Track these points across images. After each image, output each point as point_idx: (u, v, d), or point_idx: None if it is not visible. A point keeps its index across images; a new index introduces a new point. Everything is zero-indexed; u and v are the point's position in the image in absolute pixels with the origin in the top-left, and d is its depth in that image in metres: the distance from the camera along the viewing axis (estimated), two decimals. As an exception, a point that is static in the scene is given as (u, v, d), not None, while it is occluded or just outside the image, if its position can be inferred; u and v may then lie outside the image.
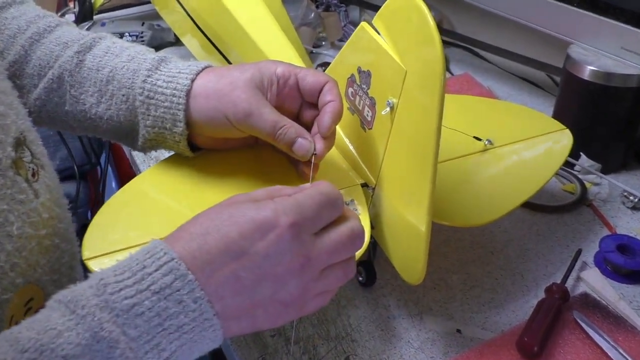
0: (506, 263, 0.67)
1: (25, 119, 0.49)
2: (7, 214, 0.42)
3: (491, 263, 0.67)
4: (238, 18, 0.75)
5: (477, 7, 0.97)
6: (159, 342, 0.36)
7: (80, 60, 0.55)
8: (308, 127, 0.54)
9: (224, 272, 0.38)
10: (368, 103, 0.55)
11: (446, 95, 0.77)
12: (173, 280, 0.37)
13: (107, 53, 0.56)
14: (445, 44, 1.15)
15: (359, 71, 0.55)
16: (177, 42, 1.11)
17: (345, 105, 0.58)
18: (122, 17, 1.19)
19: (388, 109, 0.51)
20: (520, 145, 0.67)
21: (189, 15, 0.92)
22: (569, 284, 0.63)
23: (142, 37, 1.12)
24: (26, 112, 0.50)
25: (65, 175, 1.40)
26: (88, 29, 1.14)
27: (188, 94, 0.52)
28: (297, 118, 0.55)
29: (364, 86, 0.55)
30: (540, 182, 0.64)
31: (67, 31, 0.59)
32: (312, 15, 1.10)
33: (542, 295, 0.62)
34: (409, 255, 0.53)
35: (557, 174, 0.79)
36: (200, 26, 0.88)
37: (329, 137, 0.52)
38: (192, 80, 0.52)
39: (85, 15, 1.19)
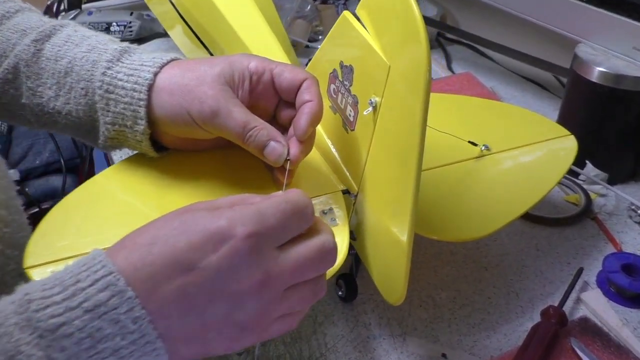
0: (500, 280, 0.61)
1: None
2: None
3: (484, 280, 0.61)
4: (223, 10, 0.70)
5: (482, 3, 0.92)
6: None
7: (38, 50, 0.51)
8: (286, 128, 0.49)
9: (169, 287, 0.33)
10: (350, 101, 0.49)
11: (441, 95, 0.71)
12: (109, 297, 0.32)
13: (66, 42, 0.51)
14: (448, 41, 1.10)
15: (341, 66, 0.50)
16: (167, 33, 1.06)
17: (327, 103, 0.53)
18: (110, 6, 1.15)
19: (370, 108, 0.46)
20: (520, 151, 0.62)
21: (175, 7, 0.87)
22: (568, 305, 0.58)
23: (130, 27, 1.07)
24: None
25: (54, 168, 1.36)
26: (74, 18, 1.09)
27: (150, 88, 0.47)
28: (273, 118, 0.50)
29: (346, 83, 0.49)
30: (540, 193, 0.59)
31: (27, 18, 0.54)
32: (309, 7, 1.05)
33: (537, 318, 0.56)
34: (390, 272, 0.48)
35: (559, 183, 0.73)
36: (186, 19, 0.84)
37: (306, 141, 0.47)
38: (155, 74, 0.47)
39: (73, 4, 1.14)
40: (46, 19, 0.54)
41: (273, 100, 0.49)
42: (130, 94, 0.47)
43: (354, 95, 0.48)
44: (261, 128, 0.46)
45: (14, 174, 1.33)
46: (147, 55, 0.49)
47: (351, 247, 0.54)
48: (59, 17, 1.12)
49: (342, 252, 0.48)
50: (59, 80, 0.50)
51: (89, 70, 0.49)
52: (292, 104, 0.48)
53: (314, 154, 0.55)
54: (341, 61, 0.50)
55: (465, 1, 1.00)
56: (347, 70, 0.49)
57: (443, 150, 0.60)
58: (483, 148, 0.60)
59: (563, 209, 0.71)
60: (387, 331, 0.56)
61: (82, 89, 0.49)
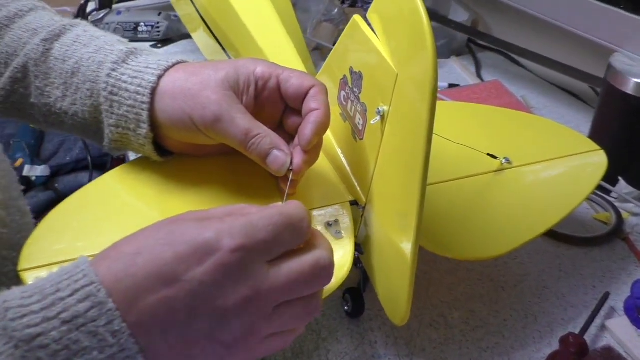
0: (519, 302, 0.58)
1: None
2: None
3: (501, 301, 0.58)
4: (240, 13, 0.69)
5: (516, 9, 0.88)
6: None
7: (46, 49, 0.50)
8: (292, 136, 0.47)
9: (151, 299, 0.32)
10: (359, 109, 0.47)
11: (463, 104, 0.68)
12: (89, 308, 0.30)
13: (75, 42, 0.50)
14: (479, 47, 1.06)
15: (351, 72, 0.48)
16: (192, 34, 1.06)
17: (338, 110, 0.51)
18: (139, 7, 1.15)
19: (378, 117, 0.43)
20: (544, 165, 0.58)
21: (197, 10, 0.87)
22: (591, 332, 0.54)
23: (157, 27, 1.07)
24: None
25: (83, 165, 1.38)
26: (103, 17, 1.10)
27: (153, 91, 0.46)
28: (280, 126, 0.48)
29: (356, 90, 0.47)
30: (564, 210, 0.55)
31: (39, 16, 0.53)
32: (336, 11, 1.03)
33: (556, 344, 0.53)
34: (394, 291, 0.45)
35: (589, 200, 0.69)
36: (207, 21, 0.83)
37: (311, 151, 0.45)
38: (160, 77, 0.46)
39: (104, 4, 1.15)
40: (58, 18, 0.54)
41: (279, 107, 0.47)
42: (133, 96, 0.46)
43: (363, 103, 0.46)
44: (264, 136, 0.44)
45: (45, 170, 1.35)
46: (153, 58, 0.48)
47: (359, 261, 0.52)
48: (90, 17, 1.13)
49: (347, 266, 0.46)
50: (66, 81, 0.49)
51: (94, 72, 0.48)
52: (299, 111, 0.46)
53: (323, 163, 0.53)
54: (351, 67, 0.47)
55: (498, 7, 0.96)
56: (357, 77, 0.47)
57: (460, 162, 0.57)
58: (504, 161, 0.57)
59: (592, 228, 0.67)
60: (393, 351, 0.53)
61: (87, 90, 0.48)
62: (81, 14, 1.14)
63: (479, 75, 0.98)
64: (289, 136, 0.47)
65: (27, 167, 1.29)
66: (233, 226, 0.33)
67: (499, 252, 0.52)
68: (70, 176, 1.37)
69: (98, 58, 0.48)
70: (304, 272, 0.35)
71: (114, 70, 0.47)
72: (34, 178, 1.30)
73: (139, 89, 0.46)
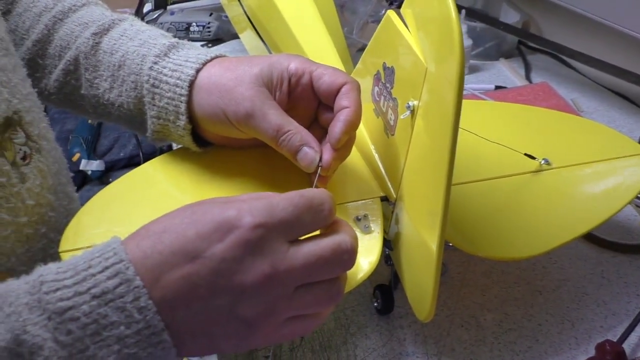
0: (555, 307, 0.56)
1: (25, 98, 0.46)
2: None
3: (537, 305, 0.57)
4: (285, 16, 0.70)
5: (568, 10, 0.86)
6: (94, 353, 0.31)
7: (96, 43, 0.53)
8: (326, 133, 0.48)
9: (175, 275, 0.33)
10: (391, 105, 0.47)
11: (504, 104, 0.67)
12: (117, 284, 0.32)
13: (122, 36, 0.53)
14: (529, 49, 1.04)
15: (384, 67, 0.48)
16: (241, 35, 1.08)
17: (371, 106, 0.51)
18: (192, 7, 1.18)
19: (408, 112, 0.43)
20: (586, 168, 0.56)
21: (245, 12, 0.89)
22: (630, 342, 0.52)
23: (209, 27, 1.10)
24: (31, 92, 0.48)
25: (136, 161, 1.43)
26: (158, 17, 1.14)
27: (192, 85, 0.47)
28: (315, 121, 0.49)
29: (388, 85, 0.47)
30: (605, 214, 0.53)
31: (90, 11, 0.56)
32: (383, 12, 1.03)
33: (593, 353, 0.51)
34: (420, 287, 0.45)
35: (636, 206, 0.67)
36: (254, 23, 0.85)
37: (341, 149, 0.45)
38: (198, 71, 0.47)
39: (159, 4, 1.19)
40: (108, 12, 0.56)
41: (313, 103, 0.48)
42: (173, 89, 0.48)
43: (395, 98, 0.46)
44: (294, 132, 0.44)
45: (100, 165, 1.41)
46: (194, 52, 0.50)
47: (390, 259, 0.52)
48: (146, 17, 1.17)
49: (374, 260, 0.46)
50: (113, 73, 0.52)
51: (138, 64, 0.50)
52: (332, 110, 0.47)
53: (356, 158, 0.53)
54: (384, 62, 0.48)
55: (549, 8, 0.94)
56: (389, 72, 0.47)
57: (498, 162, 0.56)
58: (542, 162, 0.55)
59: (638, 235, 0.64)
60: (422, 349, 0.52)
61: (132, 82, 0.50)
62: (138, 14, 1.18)
63: (527, 78, 0.95)
64: (323, 131, 0.48)
65: (83, 162, 1.35)
66: (253, 205, 0.34)
67: (534, 252, 0.51)
68: (123, 171, 1.42)
69: (142, 51, 0.50)
70: (323, 255, 0.35)
71: (155, 63, 0.49)
72: (89, 172, 1.36)
73: (178, 81, 0.47)
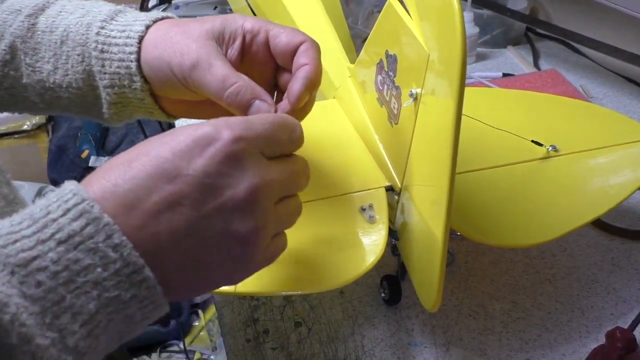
0: (565, 295, 0.56)
1: None
2: None
3: (546, 293, 0.56)
4: (289, 8, 0.70)
5: (575, -6, 0.85)
6: (72, 303, 0.28)
7: (32, 24, 0.48)
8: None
9: (154, 200, 0.30)
10: (394, 93, 0.47)
11: (510, 91, 0.67)
12: (84, 225, 0.29)
13: (60, 12, 0.48)
14: (538, 36, 1.03)
15: (387, 55, 0.47)
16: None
17: (375, 95, 0.51)
18: (197, 1, 1.18)
19: (411, 100, 0.43)
20: (595, 154, 0.56)
21: (249, 4, 0.88)
22: (642, 329, 0.51)
23: (214, 21, 1.10)
24: None
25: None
26: (163, 11, 1.13)
27: (141, 41, 0.44)
28: (275, 87, 0.46)
29: (391, 73, 0.47)
30: (614, 200, 0.52)
31: None
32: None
33: (603, 340, 0.50)
34: (426, 276, 0.44)
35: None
36: (257, 15, 0.84)
37: (301, 110, 0.42)
38: (147, 27, 0.44)
39: (164, -1, 1.19)
40: None
41: (270, 66, 0.44)
42: (122, 49, 0.44)
43: (398, 86, 0.46)
44: (243, 85, 0.40)
45: (109, 162, 1.41)
46: (143, 13, 0.47)
47: (397, 249, 0.51)
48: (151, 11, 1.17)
49: (379, 250, 0.46)
50: (55, 52, 0.47)
51: (83, 34, 0.46)
52: (290, 71, 0.43)
53: (360, 148, 0.53)
54: (387, 50, 0.47)
55: (557, -7, 0.93)
56: (392, 60, 0.46)
57: (505, 149, 0.55)
58: (550, 149, 0.55)
59: (649, 221, 0.63)
60: (429, 339, 0.52)
61: (78, 55, 0.46)
62: (143, 8, 1.18)
63: (536, 65, 0.94)
64: (282, 97, 0.44)
65: (92, 158, 1.36)
66: (230, 120, 0.33)
67: (542, 240, 0.51)
68: (133, 167, 1.43)
69: (86, 21, 0.47)
70: (295, 170, 0.35)
71: (102, 28, 0.45)
72: (99, 168, 1.37)
73: (127, 40, 0.44)
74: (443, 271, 0.41)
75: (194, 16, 1.09)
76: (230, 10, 1.09)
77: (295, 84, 0.41)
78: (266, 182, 0.32)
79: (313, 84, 0.41)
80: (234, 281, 0.35)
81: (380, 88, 0.49)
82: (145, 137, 1.34)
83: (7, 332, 0.26)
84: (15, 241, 0.28)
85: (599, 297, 0.56)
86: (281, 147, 0.35)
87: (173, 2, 1.16)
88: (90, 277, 0.29)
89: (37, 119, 1.65)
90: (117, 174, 0.30)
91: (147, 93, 0.45)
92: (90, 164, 1.36)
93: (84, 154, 1.37)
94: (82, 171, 1.37)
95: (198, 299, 1.45)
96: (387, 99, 0.48)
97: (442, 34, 0.38)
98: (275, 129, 0.34)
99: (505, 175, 0.54)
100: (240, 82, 0.40)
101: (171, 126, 0.88)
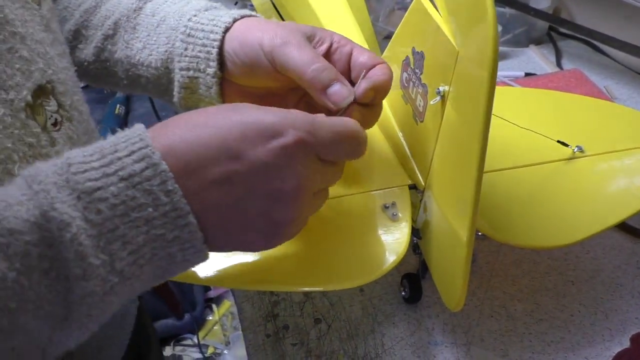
0: (589, 297, 0.55)
1: (60, 71, 0.46)
2: (10, 152, 0.39)
3: (569, 295, 0.55)
4: (312, 3, 0.69)
5: (601, -6, 0.83)
6: (124, 233, 0.32)
7: (139, 7, 0.53)
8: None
9: (214, 171, 0.34)
10: (420, 91, 0.46)
11: (536, 90, 0.66)
12: (144, 168, 0.32)
13: (166, 1, 0.53)
14: (561, 35, 1.01)
15: (413, 52, 0.47)
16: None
17: (400, 93, 0.51)
18: (218, -4, 1.18)
19: (438, 98, 0.43)
20: (621, 155, 0.55)
21: (273, 3, 0.88)
22: (667, 334, 0.51)
23: (234, 16, 1.10)
24: (67, 67, 0.47)
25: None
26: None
27: (226, 31, 0.47)
28: None
29: (417, 71, 0.46)
30: (641, 203, 0.52)
31: None
32: (410, -2, 1.01)
33: (627, 343, 0.50)
34: (449, 275, 0.44)
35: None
36: (280, 11, 0.84)
37: (371, 115, 0.44)
38: (235, 20, 0.47)
39: (185, -6, 1.19)
40: None
41: (344, 76, 0.45)
42: (207, 35, 0.47)
43: (424, 84, 0.45)
44: (329, 66, 0.43)
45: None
46: (235, 10, 0.50)
47: (418, 248, 0.51)
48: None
49: (402, 248, 0.45)
50: (149, 33, 0.51)
51: (177, 20, 0.50)
52: None
53: (383, 145, 0.53)
54: (413, 47, 0.47)
55: (582, -8, 0.92)
56: (419, 57, 0.46)
57: (530, 149, 0.55)
58: (576, 150, 0.54)
59: (675, 225, 0.62)
60: (450, 339, 0.52)
61: (166, 37, 0.50)
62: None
63: (558, 65, 0.93)
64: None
65: (111, 151, 1.36)
66: (298, 118, 0.35)
67: (566, 241, 0.50)
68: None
69: (183, 10, 0.50)
70: (338, 171, 0.39)
71: (195, 15, 0.49)
72: (117, 161, 1.38)
73: (213, 27, 0.47)
74: (468, 271, 0.41)
75: (215, 11, 1.09)
76: (252, 6, 1.09)
77: (365, 82, 0.43)
78: (311, 182, 0.36)
79: (382, 88, 0.43)
80: (267, 248, 0.38)
81: (406, 85, 0.49)
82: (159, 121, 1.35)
83: (66, 247, 0.30)
84: (85, 171, 0.32)
85: (623, 301, 0.55)
86: (340, 156, 0.37)
87: (194, -3, 1.16)
88: (142, 214, 0.32)
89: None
90: (194, 135, 0.33)
91: (217, 81, 0.48)
92: (108, 157, 1.37)
93: (103, 147, 1.38)
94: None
95: (212, 294, 1.46)
96: (413, 96, 0.48)
97: (472, 31, 0.37)
98: (339, 140, 0.36)
99: (530, 176, 0.53)
100: (328, 64, 0.43)
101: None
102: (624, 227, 0.61)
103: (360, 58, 0.45)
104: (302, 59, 0.43)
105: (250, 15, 0.48)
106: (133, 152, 0.32)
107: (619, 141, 0.56)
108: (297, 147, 0.34)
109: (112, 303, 0.33)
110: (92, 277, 0.31)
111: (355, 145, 0.37)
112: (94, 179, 0.32)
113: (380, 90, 0.43)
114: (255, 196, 0.34)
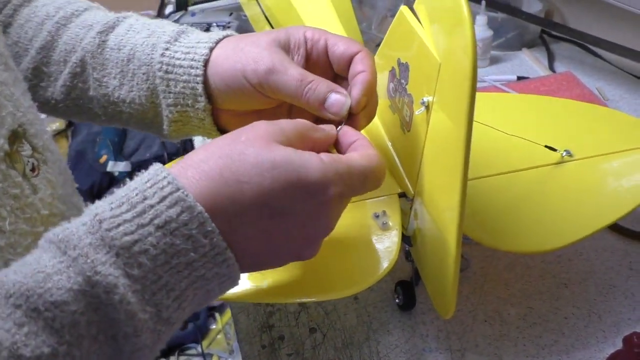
0: (582, 300, 0.56)
1: (27, 111, 0.45)
2: None
3: (562, 298, 0.56)
4: (301, 14, 0.70)
5: (591, -4, 0.84)
6: (167, 281, 0.32)
7: (102, 41, 0.51)
8: None
9: (252, 228, 0.35)
10: (407, 101, 0.47)
11: (523, 96, 0.67)
12: (179, 212, 0.32)
13: (128, 31, 0.51)
14: (553, 38, 1.02)
15: (399, 63, 0.48)
16: (262, 33, 1.08)
17: (387, 103, 0.51)
18: (212, 8, 1.19)
19: (423, 108, 0.43)
20: (610, 158, 0.55)
21: (263, 11, 0.89)
22: (660, 334, 0.51)
23: (229, 26, 1.11)
24: (32, 105, 0.46)
25: (162, 161, 1.45)
26: (179, 19, 1.15)
27: (206, 64, 0.46)
28: None
29: (403, 81, 0.47)
30: (632, 204, 0.52)
31: (93, 14, 0.55)
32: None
33: (620, 345, 0.50)
34: (440, 281, 0.45)
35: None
36: (271, 22, 0.85)
37: (366, 115, 0.44)
38: (211, 49, 0.47)
39: (180, 6, 1.20)
40: (111, 14, 0.55)
41: (328, 73, 0.46)
42: (187, 71, 0.47)
43: (410, 94, 0.46)
44: (320, 81, 0.43)
45: (127, 166, 1.43)
46: (204, 34, 0.49)
47: (410, 255, 0.52)
48: (168, 19, 1.18)
49: (393, 257, 0.46)
50: (122, 69, 0.50)
51: (148, 54, 0.49)
52: (346, 79, 0.45)
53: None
54: (399, 58, 0.47)
55: (572, -6, 0.92)
56: (404, 68, 0.47)
57: (518, 155, 0.55)
58: (564, 154, 0.55)
59: (667, 225, 0.63)
60: (445, 345, 0.52)
61: (143, 74, 0.49)
62: (160, 16, 1.20)
63: (551, 67, 0.94)
64: None
65: (110, 163, 1.37)
66: (336, 171, 0.36)
67: (558, 245, 0.50)
68: (150, 172, 1.44)
69: (151, 41, 0.49)
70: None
71: (167, 49, 0.48)
72: (116, 174, 1.39)
73: (192, 62, 0.47)
74: (456, 278, 0.41)
75: (210, 23, 1.10)
76: (246, 17, 1.10)
77: (354, 90, 0.43)
78: (338, 219, 0.39)
79: (370, 88, 0.43)
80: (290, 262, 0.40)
81: (393, 95, 0.50)
82: (163, 143, 1.36)
83: (116, 310, 0.30)
84: (119, 225, 0.31)
85: (617, 302, 0.55)
86: (366, 192, 0.39)
87: (189, 9, 1.17)
88: (182, 259, 0.32)
89: (57, 125, 1.68)
90: (228, 193, 0.34)
91: (209, 113, 0.48)
92: (108, 169, 1.38)
93: (102, 159, 1.39)
94: (100, 176, 1.38)
95: (215, 303, 1.46)
96: (400, 106, 0.48)
97: (451, 39, 0.38)
98: (366, 185, 0.38)
99: (519, 181, 0.54)
100: (317, 79, 0.43)
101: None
102: (615, 227, 0.62)
103: (337, 50, 0.45)
104: (292, 84, 0.43)
105: (222, 38, 0.47)
106: (164, 197, 0.32)
107: (608, 144, 0.56)
108: (336, 201, 0.36)
109: (158, 349, 0.33)
110: (142, 332, 0.31)
111: (380, 180, 0.39)
112: (130, 232, 0.31)
113: (371, 91, 0.43)
114: (289, 242, 0.36)
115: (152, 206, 0.32)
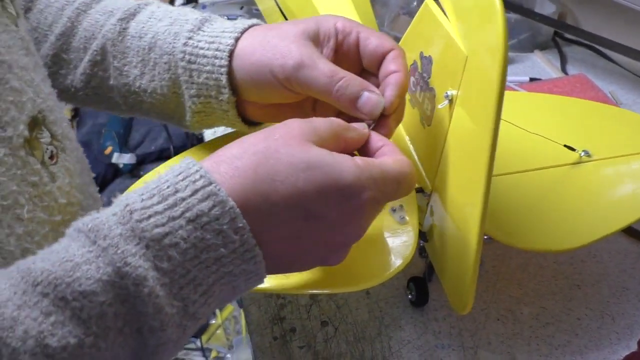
0: (595, 301, 0.55)
1: (47, 98, 0.44)
2: (16, 195, 0.38)
3: (575, 299, 0.56)
4: (318, 8, 0.70)
5: (608, 0, 0.84)
6: (195, 276, 0.31)
7: (123, 29, 0.50)
8: None
9: (285, 228, 0.34)
10: (428, 95, 0.47)
11: (542, 95, 0.66)
12: (211, 206, 0.32)
13: (150, 18, 0.50)
14: (566, 41, 1.02)
15: (421, 57, 0.47)
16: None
17: (407, 97, 0.51)
18: (223, 1, 1.19)
19: (446, 102, 0.43)
20: (628, 160, 0.55)
21: (277, 4, 0.88)
22: (674, 338, 0.51)
23: (239, 21, 1.10)
24: (52, 92, 0.45)
25: (167, 154, 1.45)
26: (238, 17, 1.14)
27: (231, 54, 0.45)
28: None
29: (425, 75, 0.47)
30: (648, 207, 0.52)
31: (114, 0, 0.53)
32: (415, 4, 1.02)
33: (634, 347, 0.50)
34: (457, 279, 0.44)
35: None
36: (286, 15, 0.85)
37: (396, 116, 0.43)
38: (237, 39, 0.45)
39: (191, -1, 1.20)
40: (132, 0, 0.53)
41: (356, 67, 0.45)
42: (211, 61, 0.45)
43: (432, 88, 0.46)
44: (351, 78, 0.41)
45: (132, 158, 1.43)
46: (229, 23, 0.47)
47: (424, 251, 0.51)
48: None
49: (409, 251, 0.45)
50: (143, 57, 0.49)
51: (170, 43, 0.47)
52: (375, 75, 0.44)
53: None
54: (421, 52, 0.47)
55: (587, -3, 0.92)
56: (426, 62, 0.46)
57: (536, 153, 0.55)
58: (582, 154, 0.54)
59: (681, 229, 0.62)
60: (457, 342, 0.52)
61: (165, 63, 0.48)
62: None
63: (563, 70, 0.93)
64: None
65: (115, 155, 1.37)
66: (371, 175, 0.36)
67: (572, 245, 0.50)
68: (154, 164, 1.44)
69: (173, 29, 0.48)
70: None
71: (190, 38, 0.46)
72: (121, 165, 1.38)
73: (216, 52, 0.45)
74: (476, 274, 0.41)
75: (221, 16, 1.10)
76: (257, 10, 1.10)
77: (388, 91, 0.42)
78: (369, 224, 0.38)
79: (404, 90, 0.42)
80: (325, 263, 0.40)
81: (413, 90, 0.49)
82: (168, 134, 1.36)
83: (144, 303, 0.29)
84: (149, 216, 0.31)
85: (630, 304, 0.55)
86: (397, 198, 0.39)
87: (200, 1, 1.17)
88: (212, 254, 0.32)
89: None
90: (263, 191, 0.33)
91: (233, 105, 0.46)
92: (113, 161, 1.38)
93: (108, 151, 1.38)
94: (105, 167, 1.38)
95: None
96: (420, 100, 0.48)
97: (482, 35, 0.38)
98: (399, 190, 0.38)
99: (537, 179, 0.53)
100: (348, 76, 0.41)
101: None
102: (630, 230, 0.61)
103: (369, 45, 0.43)
104: (321, 80, 0.41)
105: (248, 27, 0.46)
106: (196, 190, 0.31)
107: (626, 146, 0.56)
108: (369, 206, 0.36)
109: (182, 344, 0.33)
110: (169, 326, 0.30)
111: (412, 187, 0.39)
112: (160, 224, 0.31)
113: (403, 93, 0.42)
114: (318, 246, 0.36)
115: (183, 199, 0.31)
